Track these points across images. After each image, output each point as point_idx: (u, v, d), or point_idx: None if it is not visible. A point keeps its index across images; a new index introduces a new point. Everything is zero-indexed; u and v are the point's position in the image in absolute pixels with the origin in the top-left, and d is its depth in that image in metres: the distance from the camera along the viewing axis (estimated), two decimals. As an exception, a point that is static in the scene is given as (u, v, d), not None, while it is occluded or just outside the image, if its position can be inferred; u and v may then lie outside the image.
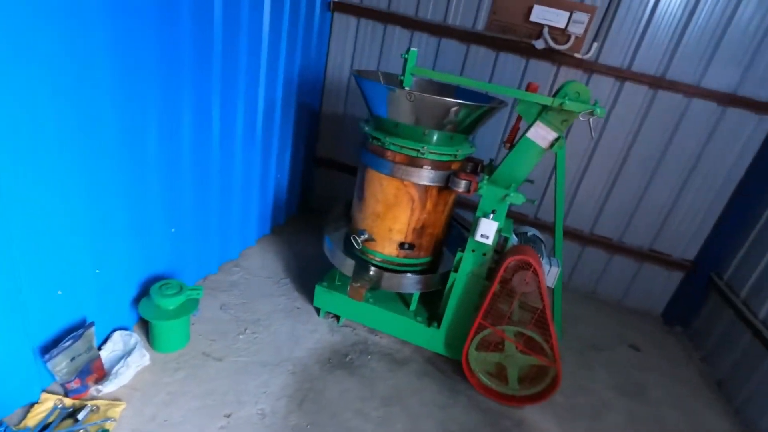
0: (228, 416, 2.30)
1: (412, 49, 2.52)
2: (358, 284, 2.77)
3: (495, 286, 2.52)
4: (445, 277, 2.87)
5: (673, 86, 3.55)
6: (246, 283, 3.41)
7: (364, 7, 4.00)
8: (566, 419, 2.76)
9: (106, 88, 2.02)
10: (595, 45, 3.57)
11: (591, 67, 3.67)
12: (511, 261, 2.45)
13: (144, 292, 2.66)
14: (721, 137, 3.61)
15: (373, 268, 2.88)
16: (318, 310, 3.21)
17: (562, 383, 2.63)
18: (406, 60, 2.54)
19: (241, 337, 2.86)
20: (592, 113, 2.31)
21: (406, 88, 2.51)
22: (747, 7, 3.26)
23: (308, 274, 3.62)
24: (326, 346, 2.94)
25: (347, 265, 2.90)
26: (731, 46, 3.37)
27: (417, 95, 2.37)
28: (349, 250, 2.98)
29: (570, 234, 4.16)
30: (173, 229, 2.80)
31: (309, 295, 3.35)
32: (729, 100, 3.48)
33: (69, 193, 1.98)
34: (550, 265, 2.59)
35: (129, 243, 2.44)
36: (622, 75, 3.64)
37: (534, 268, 2.41)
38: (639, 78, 3.61)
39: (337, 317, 3.18)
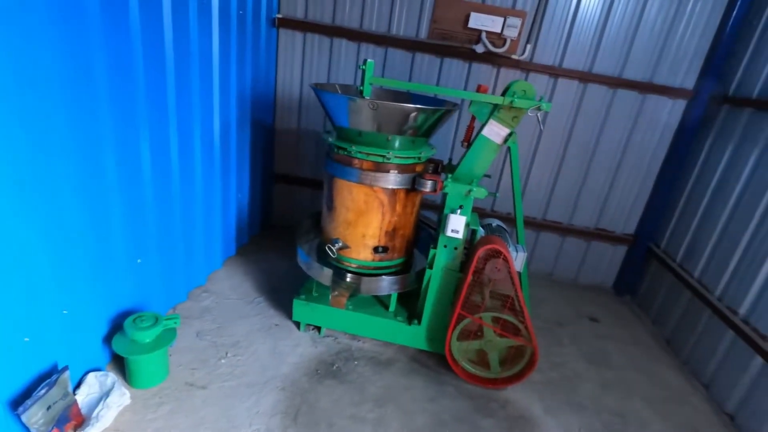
0: (223, 442, 2.25)
1: (369, 60, 2.63)
2: (338, 292, 2.81)
3: (469, 278, 2.67)
4: (420, 275, 2.99)
5: (599, 79, 3.94)
6: (218, 307, 3.33)
7: (309, 22, 4.08)
8: (546, 394, 2.96)
9: (61, 122, 1.94)
10: (529, 46, 3.89)
11: (527, 67, 3.98)
12: (482, 251, 2.61)
13: (115, 329, 2.53)
14: (644, 121, 4.05)
15: (350, 275, 2.93)
16: (298, 325, 3.21)
17: (539, 363, 2.82)
18: (363, 71, 2.64)
19: (222, 361, 2.79)
20: (539, 108, 2.53)
21: (367, 98, 2.61)
22: (653, 7, 3.71)
23: (281, 291, 3.60)
24: (311, 359, 2.95)
25: (325, 275, 2.93)
26: (643, 41, 3.81)
27: (380, 104, 2.47)
28: (324, 260, 3.01)
29: (525, 222, 4.44)
30: (139, 260, 2.69)
31: (285, 310, 3.33)
32: (647, 88, 3.92)
33: (28, 233, 1.87)
34: (517, 251, 2.79)
35: (95, 279, 2.32)
36: (555, 72, 3.98)
37: (504, 256, 2.59)
38: (569, 74, 3.97)
39: (318, 328, 3.19)
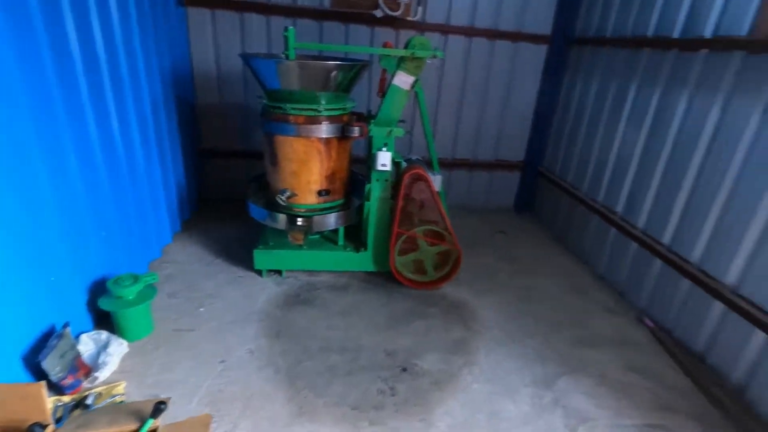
0: (223, 361, 2.67)
1: (290, 27, 3.03)
2: (295, 231, 3.28)
3: (401, 200, 3.29)
4: (361, 209, 3.55)
5: (480, 33, 4.71)
6: (181, 273, 3.60)
7: (216, -1, 4.26)
8: (473, 285, 3.75)
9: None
10: (420, 9, 4.50)
11: (422, 27, 4.61)
12: (408, 176, 3.24)
13: (93, 296, 2.76)
14: (519, 64, 4.92)
15: (300, 219, 3.40)
16: (260, 273, 3.62)
17: (464, 267, 3.57)
18: (286, 38, 3.04)
19: (201, 309, 3.14)
20: (435, 56, 3.16)
21: (295, 60, 3.02)
22: (512, -32, 4.52)
23: (235, 250, 3.94)
24: (279, 295, 3.40)
25: (280, 222, 3.36)
26: (509, -3, 4.62)
27: (309, 63, 2.91)
28: (277, 210, 3.43)
29: (439, 163, 5.19)
30: (104, 233, 2.90)
31: (245, 265, 3.71)
32: (517, 37, 4.77)
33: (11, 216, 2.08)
34: (434, 175, 3.46)
35: (70, 250, 2.53)
36: (445, 29, 4.67)
37: (425, 178, 3.24)
38: (457, 30, 4.68)
39: (279, 272, 3.64)
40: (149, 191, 3.58)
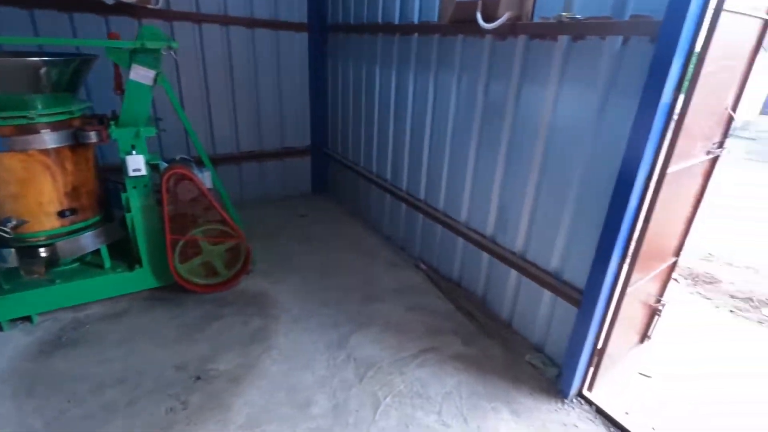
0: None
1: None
2: (31, 267, 2.72)
3: (166, 205, 3.05)
4: (125, 223, 3.16)
5: (236, 21, 4.61)
6: None
7: None
8: (273, 273, 3.79)
9: None
10: (161, -5, 4.13)
11: (169, 15, 4.25)
12: (167, 177, 3.01)
13: None
14: (285, 52, 5.03)
15: (41, 249, 2.84)
16: (0, 326, 2.91)
17: (264, 256, 3.56)
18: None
19: None
20: (169, 47, 2.96)
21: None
22: (254, -45, 4.52)
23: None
24: (30, 346, 2.80)
25: (11, 257, 2.74)
26: (258, -14, 4.63)
27: (4, 60, 2.37)
28: (4, 244, 2.77)
29: (224, 159, 5.01)
30: None
31: (-24, 320, 2.93)
32: (276, 25, 4.85)
33: None
34: (202, 172, 3.31)
35: None
36: (197, 18, 4.41)
37: (188, 176, 3.07)
38: (210, 18, 4.48)
39: (29, 318, 2.99)
40: None
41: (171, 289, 3.40)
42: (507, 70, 2.82)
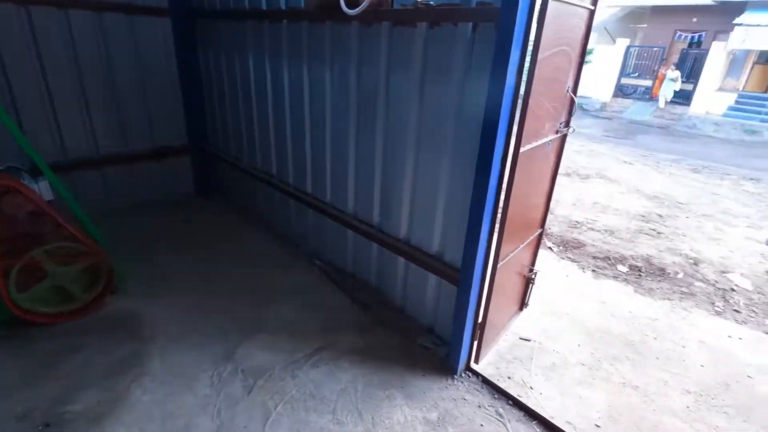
0: None
1: None
2: None
3: (-11, 225, 2.52)
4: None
5: (78, 4, 3.97)
6: None
7: None
8: (147, 290, 3.37)
9: None
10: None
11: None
12: (-16, 193, 2.48)
13: None
14: (144, 39, 4.46)
15: None
16: None
17: (137, 272, 3.13)
18: None
19: None
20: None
21: None
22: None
23: None
24: None
25: None
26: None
27: None
28: None
29: (80, 165, 4.35)
30: None
31: None
32: (129, 9, 4.28)
33: None
34: (37, 182, 2.80)
35: None
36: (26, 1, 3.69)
37: (15, 187, 2.56)
38: (41, 1, 3.79)
39: None
40: None
41: (14, 325, 2.85)
42: (375, 57, 2.80)
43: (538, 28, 1.97)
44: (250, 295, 3.43)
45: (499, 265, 2.52)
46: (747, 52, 14.89)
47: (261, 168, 4.37)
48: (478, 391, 2.64)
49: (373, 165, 3.07)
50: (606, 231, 5.28)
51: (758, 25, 13.45)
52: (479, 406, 2.52)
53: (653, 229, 5.42)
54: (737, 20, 13.84)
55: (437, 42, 2.43)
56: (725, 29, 14.56)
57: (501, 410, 2.50)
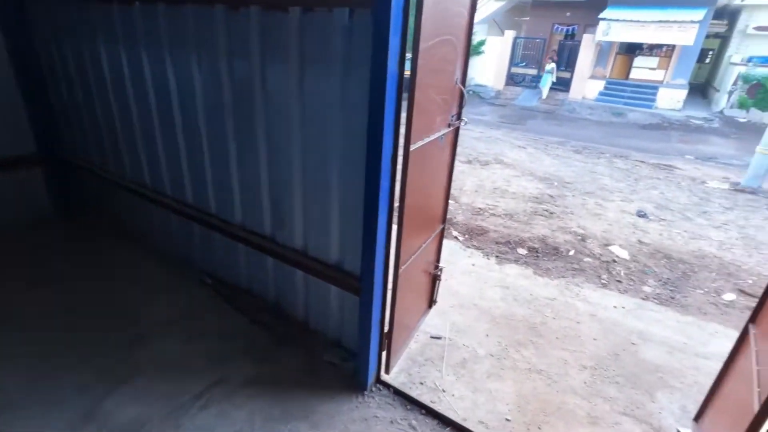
0: None
1: None
2: None
3: None
4: None
5: None
6: None
7: None
8: None
9: None
10: None
11: None
12: None
13: None
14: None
15: None
16: None
17: None
18: None
19: None
20: None
21: None
22: None
23: None
24: None
25: None
26: None
27: None
28: None
29: None
30: None
31: None
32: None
33: None
34: None
35: None
36: None
37: None
38: None
39: None
40: None
41: None
42: (247, 46, 2.44)
43: (417, 12, 1.80)
44: (122, 331, 2.89)
45: (402, 268, 2.36)
46: (611, 44, 16.81)
47: (131, 178, 3.73)
48: (390, 404, 2.48)
49: (258, 170, 2.72)
50: (506, 215, 5.50)
51: (617, 20, 15.25)
52: (391, 422, 2.36)
53: (546, 210, 5.78)
54: (601, 15, 15.54)
55: (314, 30, 2.16)
56: (593, 23, 16.26)
57: (414, 422, 2.37)
